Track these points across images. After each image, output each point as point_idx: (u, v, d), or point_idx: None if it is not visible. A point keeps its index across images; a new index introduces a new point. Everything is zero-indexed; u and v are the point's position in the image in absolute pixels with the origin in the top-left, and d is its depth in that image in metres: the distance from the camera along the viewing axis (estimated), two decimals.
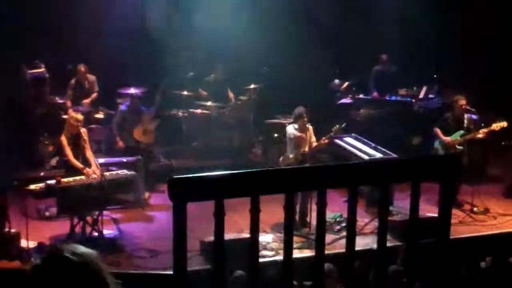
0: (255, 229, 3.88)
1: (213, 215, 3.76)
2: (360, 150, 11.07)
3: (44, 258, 2.27)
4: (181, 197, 3.62)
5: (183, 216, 3.63)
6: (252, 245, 3.96)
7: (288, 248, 4.03)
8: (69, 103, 11.92)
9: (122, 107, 11.60)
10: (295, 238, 4.15)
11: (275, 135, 11.18)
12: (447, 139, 10.69)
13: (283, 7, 13.78)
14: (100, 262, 2.34)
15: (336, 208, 9.11)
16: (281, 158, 10.09)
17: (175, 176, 3.66)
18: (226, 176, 3.86)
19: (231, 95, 13.34)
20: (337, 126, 10.15)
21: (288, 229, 4.06)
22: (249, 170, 4.15)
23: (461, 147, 10.64)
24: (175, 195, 3.60)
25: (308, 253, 8.43)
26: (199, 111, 12.80)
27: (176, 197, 3.61)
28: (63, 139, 9.32)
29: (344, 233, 9.30)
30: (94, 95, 12.44)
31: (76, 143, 9.31)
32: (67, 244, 2.33)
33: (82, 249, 2.33)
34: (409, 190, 4.29)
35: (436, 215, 4.31)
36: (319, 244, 4.08)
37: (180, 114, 12.88)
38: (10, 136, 9.83)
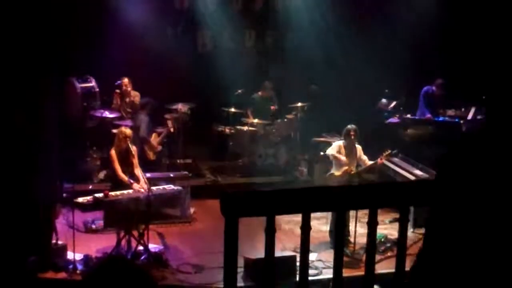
0: (305, 248, 3.85)
1: (265, 231, 3.74)
2: (407, 171, 10.97)
3: (102, 262, 2.31)
4: (233, 212, 3.61)
5: (235, 231, 3.62)
6: (303, 263, 3.93)
7: (337, 266, 3.99)
8: (119, 118, 11.98)
9: None
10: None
11: (321, 153, 11.11)
12: None
13: (337, 25, 13.76)
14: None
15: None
16: (326, 176, 10.02)
17: (227, 191, 3.66)
18: (278, 192, 3.85)
19: (273, 108, 13.37)
20: (389, 151, 10.08)
21: (339, 247, 4.03)
22: (301, 187, 4.13)
23: None
24: (227, 210, 3.60)
25: (350, 272, 8.23)
26: (245, 128, 12.84)
27: (228, 212, 3.60)
28: (113, 153, 9.38)
29: (389, 254, 9.31)
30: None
31: (124, 158, 9.37)
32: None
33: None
34: None
35: None
36: (369, 264, 4.04)
37: (227, 131, 12.93)
38: (60, 149, 9.94)
